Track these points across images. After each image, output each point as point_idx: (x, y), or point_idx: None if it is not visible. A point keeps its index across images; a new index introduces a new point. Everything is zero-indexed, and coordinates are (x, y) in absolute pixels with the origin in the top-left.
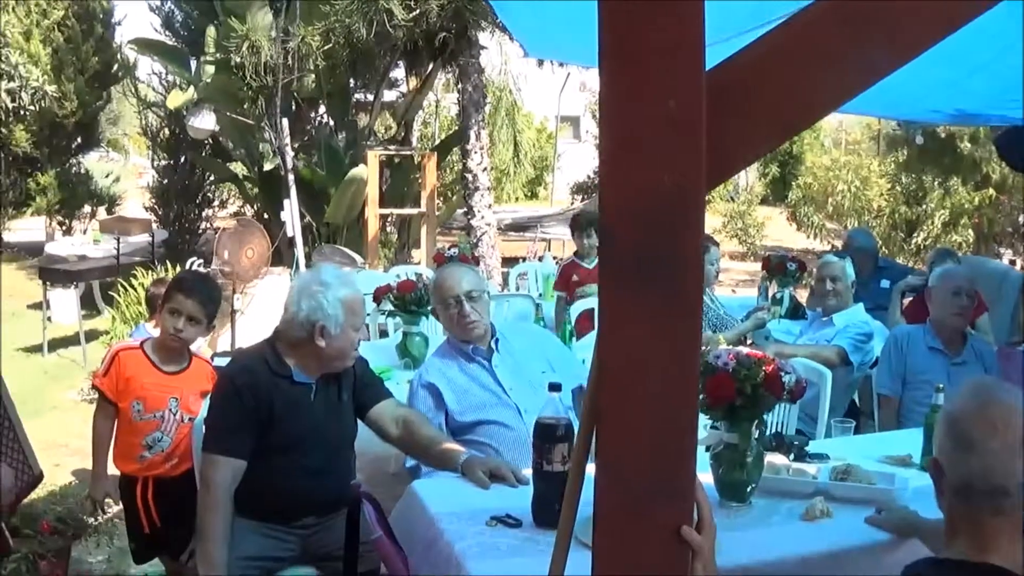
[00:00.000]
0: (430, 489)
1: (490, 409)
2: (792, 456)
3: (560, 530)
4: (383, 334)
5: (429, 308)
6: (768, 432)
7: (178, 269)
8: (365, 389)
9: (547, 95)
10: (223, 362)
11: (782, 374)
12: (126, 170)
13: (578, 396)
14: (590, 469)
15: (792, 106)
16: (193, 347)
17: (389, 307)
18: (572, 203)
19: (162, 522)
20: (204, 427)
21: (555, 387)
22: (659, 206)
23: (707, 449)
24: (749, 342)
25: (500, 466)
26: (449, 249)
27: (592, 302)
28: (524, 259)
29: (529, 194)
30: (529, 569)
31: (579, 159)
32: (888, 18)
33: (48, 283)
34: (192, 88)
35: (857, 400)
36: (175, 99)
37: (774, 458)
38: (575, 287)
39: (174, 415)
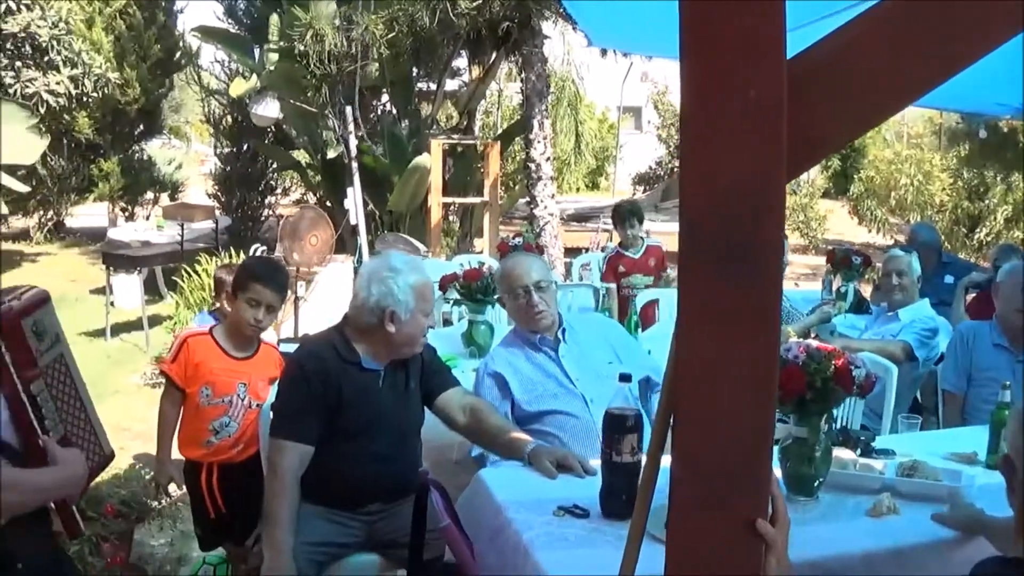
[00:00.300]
0: (497, 478)
1: (557, 399)
2: (859, 451)
3: (634, 522)
4: (447, 323)
5: (495, 297)
6: (835, 427)
7: (241, 256)
8: (433, 377)
9: (609, 85)
10: (288, 348)
11: (852, 368)
12: (188, 157)
13: (644, 387)
14: (664, 460)
15: (874, 96)
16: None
17: (455, 295)
18: (633, 194)
19: (227, 507)
20: (272, 412)
21: (625, 377)
22: (740, 197)
23: (776, 443)
24: (813, 335)
25: (567, 456)
26: (513, 238)
27: (654, 293)
28: (587, 249)
29: (590, 184)
30: (597, 560)
31: (640, 150)
32: (973, 6)
33: (111, 268)
34: (255, 76)
35: (919, 396)
36: (238, 87)
37: (841, 453)
38: (621, 277)
39: (242, 400)
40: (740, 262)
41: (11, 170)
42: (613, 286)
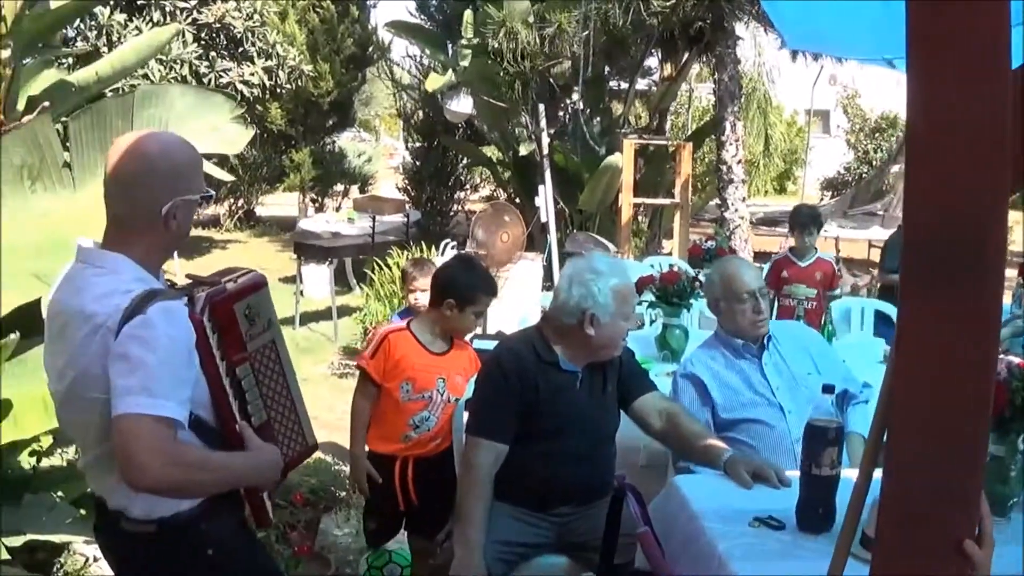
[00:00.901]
0: (693, 485)
1: (756, 407)
2: None
3: (841, 538)
4: (640, 325)
5: (691, 300)
6: None
7: (433, 251)
8: (631, 380)
9: (797, 88)
10: (481, 345)
11: None
12: (377, 151)
13: (840, 399)
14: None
15: None
16: None
17: (650, 298)
18: (822, 198)
19: (420, 501)
20: (469, 410)
21: (828, 389)
22: (964, 209)
23: None
24: (1004, 350)
25: (763, 466)
26: (706, 242)
27: (848, 302)
28: (775, 254)
29: (778, 188)
30: (794, 573)
31: (829, 154)
32: None
33: (302, 258)
34: (450, 72)
35: None
36: (433, 82)
37: None
38: (784, 283)
39: (441, 395)
40: (963, 279)
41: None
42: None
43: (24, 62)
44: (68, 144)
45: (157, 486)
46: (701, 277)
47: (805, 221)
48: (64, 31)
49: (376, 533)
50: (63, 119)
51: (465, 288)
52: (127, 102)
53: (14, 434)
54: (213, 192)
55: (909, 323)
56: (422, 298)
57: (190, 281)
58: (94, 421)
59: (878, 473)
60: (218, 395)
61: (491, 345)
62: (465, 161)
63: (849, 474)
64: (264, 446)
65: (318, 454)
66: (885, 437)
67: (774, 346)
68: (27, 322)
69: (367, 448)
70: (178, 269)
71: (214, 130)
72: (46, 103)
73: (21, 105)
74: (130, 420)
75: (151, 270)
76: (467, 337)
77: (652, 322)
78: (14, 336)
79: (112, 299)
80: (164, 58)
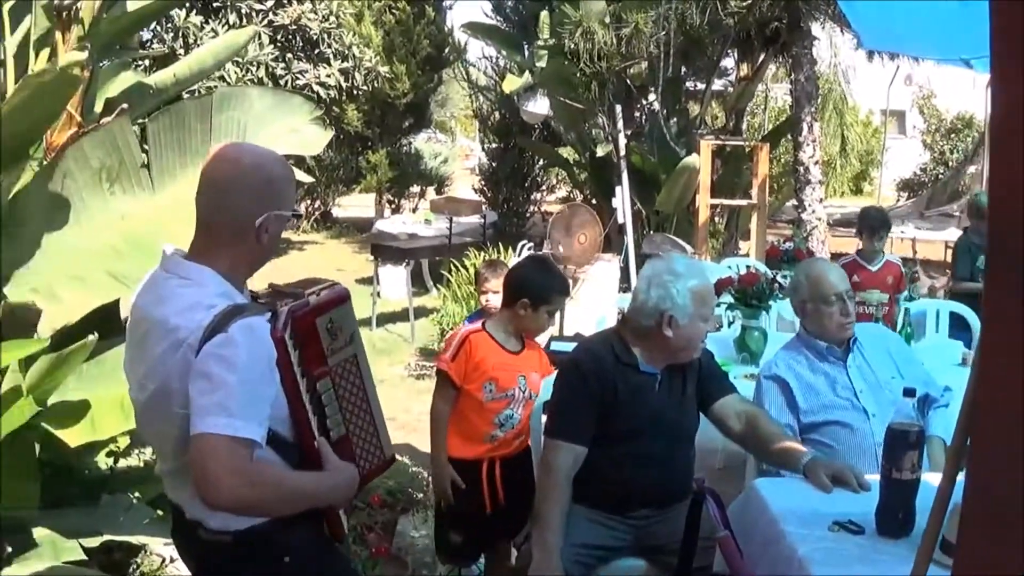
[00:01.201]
0: (773, 488)
1: (839, 411)
2: None
3: (924, 543)
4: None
5: (770, 302)
6: None
7: (509, 252)
8: (710, 382)
9: (872, 89)
10: (559, 347)
11: None
12: (453, 152)
13: (922, 403)
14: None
15: None
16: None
17: (728, 299)
18: (898, 200)
19: (507, 501)
20: (547, 412)
21: (910, 392)
22: None
23: None
24: None
25: (843, 470)
26: (784, 243)
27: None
28: (843, 257)
29: (854, 189)
30: None
31: (905, 154)
32: None
33: (379, 259)
34: (527, 73)
35: None
36: (510, 83)
37: None
38: (855, 288)
39: (523, 392)
40: None
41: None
42: None
43: (101, 64)
44: (146, 146)
45: (231, 506)
46: (780, 279)
47: (875, 225)
48: (140, 34)
49: (459, 547)
50: (140, 121)
51: (539, 288)
52: (205, 104)
53: (91, 435)
54: (302, 212)
55: (993, 326)
56: (494, 300)
57: (271, 290)
58: (172, 433)
59: (960, 477)
60: (297, 412)
61: (569, 347)
62: (541, 162)
63: (929, 478)
64: (341, 465)
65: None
66: (968, 442)
67: (858, 349)
68: (105, 323)
69: (454, 455)
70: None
71: (293, 132)
72: (124, 105)
73: (99, 107)
74: (208, 440)
75: (236, 284)
76: (544, 338)
77: (730, 324)
78: (93, 337)
79: (195, 314)
80: (240, 60)
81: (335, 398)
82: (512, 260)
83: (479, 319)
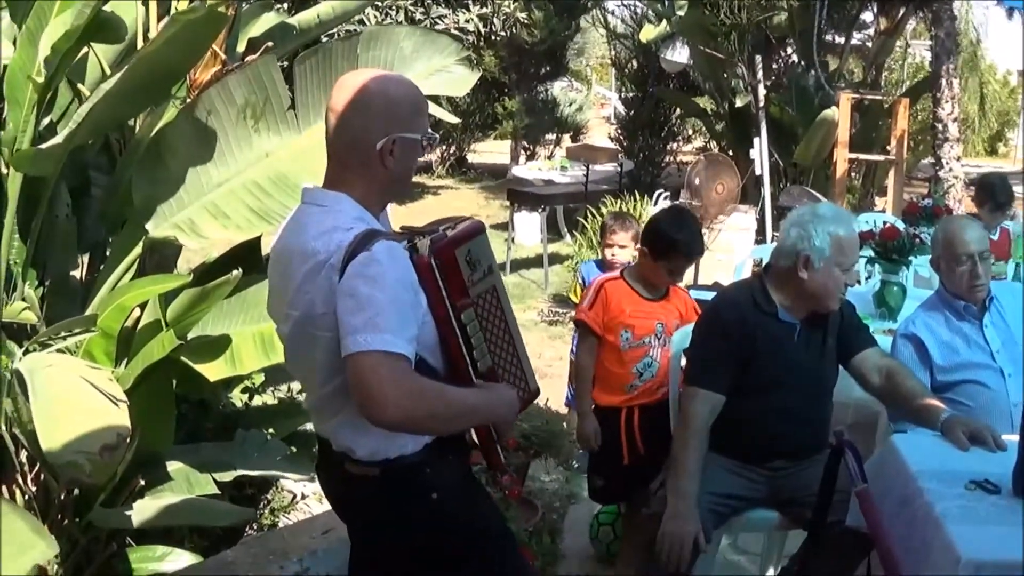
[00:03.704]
0: (910, 445)
1: (975, 369)
2: None
3: None
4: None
5: (910, 258)
6: None
7: (645, 200)
8: (851, 334)
9: (1010, 47)
10: (699, 295)
11: None
12: (588, 100)
13: None
14: None
15: None
16: None
17: (868, 253)
18: None
19: (646, 450)
20: (686, 359)
21: None
22: None
23: None
24: None
25: (981, 429)
26: (923, 200)
27: None
28: None
29: (989, 150)
30: (1012, 539)
31: None
32: None
33: (514, 205)
34: (665, 22)
35: None
36: (648, 32)
37: None
38: None
39: (659, 339)
40: None
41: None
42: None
43: (244, 4)
44: (293, 86)
45: (398, 420)
46: (921, 234)
47: (1002, 201)
48: None
49: (603, 490)
50: (284, 62)
51: (663, 242)
52: (352, 43)
53: (231, 370)
54: (437, 136)
55: None
56: (619, 254)
57: (405, 230)
58: (319, 360)
59: None
60: (448, 337)
61: (708, 295)
62: (678, 112)
63: None
64: (498, 385)
65: None
66: None
67: (996, 307)
68: (248, 259)
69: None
70: (390, 213)
71: (440, 71)
72: (270, 43)
73: (241, 47)
74: (365, 358)
75: (371, 211)
76: (682, 286)
77: (868, 279)
78: (237, 272)
79: (334, 236)
80: (380, 4)
81: (479, 329)
82: (648, 209)
83: (599, 271)
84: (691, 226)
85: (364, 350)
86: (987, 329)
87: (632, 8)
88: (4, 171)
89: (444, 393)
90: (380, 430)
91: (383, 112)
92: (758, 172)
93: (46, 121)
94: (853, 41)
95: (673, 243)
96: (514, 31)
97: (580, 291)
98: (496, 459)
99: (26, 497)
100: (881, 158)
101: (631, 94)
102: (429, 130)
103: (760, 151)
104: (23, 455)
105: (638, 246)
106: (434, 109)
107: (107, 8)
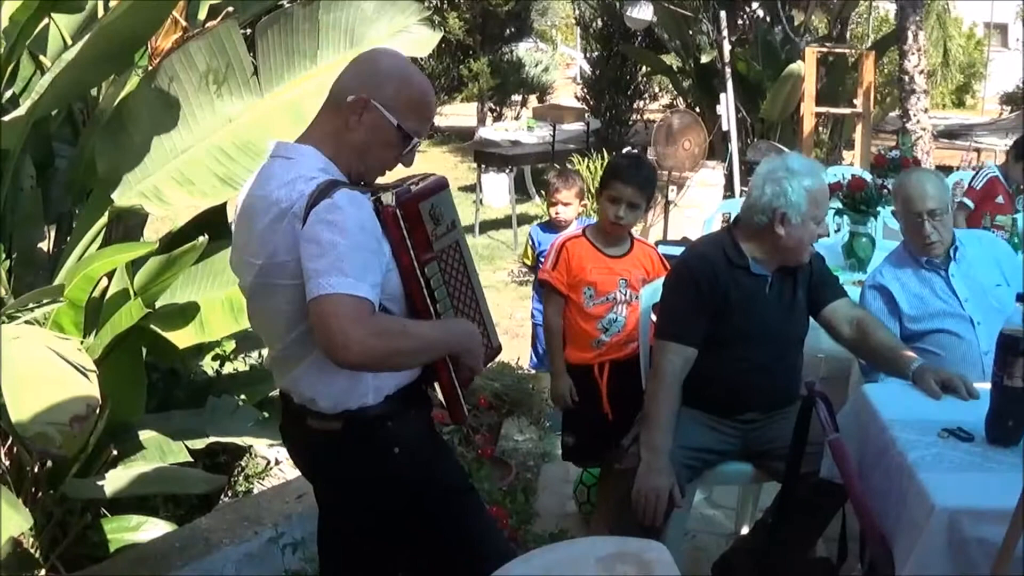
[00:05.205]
0: (881, 394)
1: (944, 318)
2: None
3: None
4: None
5: (878, 208)
6: None
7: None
8: (821, 286)
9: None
10: (667, 251)
11: None
12: (554, 60)
13: None
14: None
15: None
16: None
17: (837, 205)
18: (1001, 113)
19: (615, 408)
20: (657, 313)
21: (1021, 298)
22: None
23: None
24: None
25: (952, 377)
26: (891, 151)
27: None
28: (958, 168)
29: (956, 102)
30: (985, 486)
31: (1007, 67)
32: None
33: (482, 166)
34: None
35: None
36: None
37: None
38: (996, 210)
39: (623, 295)
40: None
41: None
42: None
43: None
44: (255, 52)
45: (363, 359)
46: (888, 185)
47: None
48: None
49: (575, 449)
50: (245, 29)
51: (605, 172)
52: (314, 7)
53: (200, 336)
54: (418, 141)
55: None
56: (563, 212)
57: (367, 186)
58: (281, 309)
59: None
60: (413, 289)
61: (677, 250)
62: (644, 70)
63: None
64: (457, 319)
65: (501, 358)
66: None
67: (961, 256)
68: (213, 225)
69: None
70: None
71: (401, 32)
72: (230, 9)
73: (202, 14)
74: (328, 299)
75: (339, 168)
76: (651, 242)
77: (837, 230)
78: (203, 239)
79: (296, 185)
80: None
81: (443, 283)
82: None
83: (544, 232)
84: (635, 157)
85: (327, 293)
86: (954, 279)
87: None
88: None
89: (406, 329)
90: (343, 377)
91: (365, 73)
92: (725, 128)
93: (8, 94)
94: None
95: (610, 167)
96: None
97: (532, 254)
98: (459, 413)
99: None
100: (848, 111)
101: (596, 53)
102: (415, 138)
103: (727, 107)
104: None
105: (583, 202)
106: None
107: None
